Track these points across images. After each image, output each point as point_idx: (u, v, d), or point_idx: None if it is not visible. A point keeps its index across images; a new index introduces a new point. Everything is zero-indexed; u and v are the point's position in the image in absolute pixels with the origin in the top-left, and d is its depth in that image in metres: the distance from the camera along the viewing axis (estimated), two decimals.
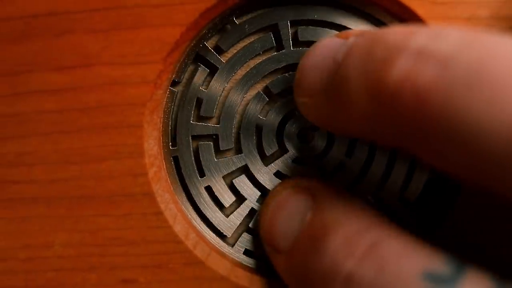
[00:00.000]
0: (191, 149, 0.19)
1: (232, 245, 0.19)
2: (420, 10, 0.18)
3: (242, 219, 0.19)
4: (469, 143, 0.12)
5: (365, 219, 0.15)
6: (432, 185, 0.18)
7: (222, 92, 0.19)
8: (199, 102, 0.19)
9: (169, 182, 0.19)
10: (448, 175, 0.14)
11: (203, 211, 0.19)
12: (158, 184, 0.18)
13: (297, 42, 0.19)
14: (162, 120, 0.19)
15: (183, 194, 0.19)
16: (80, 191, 0.18)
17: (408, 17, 0.18)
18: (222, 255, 0.19)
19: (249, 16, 0.19)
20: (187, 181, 0.19)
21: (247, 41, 0.19)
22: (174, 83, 0.19)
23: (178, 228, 0.18)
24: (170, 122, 0.19)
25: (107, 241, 0.18)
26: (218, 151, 0.19)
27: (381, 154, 0.18)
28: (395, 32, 0.14)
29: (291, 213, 0.17)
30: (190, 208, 0.19)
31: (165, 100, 0.19)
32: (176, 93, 0.19)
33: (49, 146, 0.18)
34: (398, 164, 0.18)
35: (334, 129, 0.17)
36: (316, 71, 0.16)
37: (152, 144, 0.18)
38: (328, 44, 0.16)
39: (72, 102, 0.18)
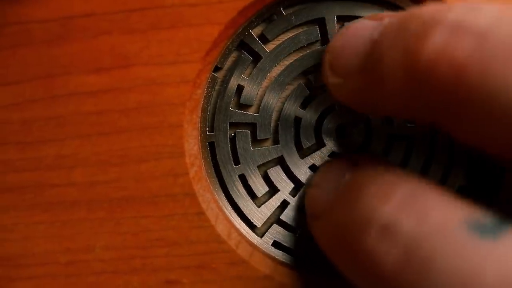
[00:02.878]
0: (228, 136, 0.19)
1: (261, 236, 0.19)
2: None
3: (273, 210, 0.19)
4: (508, 116, 0.12)
5: (401, 173, 0.15)
6: (466, 191, 0.18)
7: (263, 81, 0.19)
8: (239, 89, 0.19)
9: (209, 181, 0.19)
10: (484, 153, 0.14)
11: (235, 199, 0.19)
12: (199, 184, 0.18)
13: None
14: (201, 108, 0.19)
15: (216, 181, 0.19)
16: (121, 193, 0.18)
17: None
18: (264, 254, 0.19)
19: (297, 8, 0.19)
20: (221, 168, 0.19)
21: (292, 33, 0.19)
22: (216, 69, 0.19)
23: (220, 227, 0.18)
24: (209, 108, 0.19)
25: (149, 243, 0.18)
26: (255, 140, 0.19)
27: (418, 155, 0.18)
28: (429, 7, 0.14)
29: (329, 177, 0.17)
30: (222, 195, 0.19)
31: (205, 86, 0.19)
32: (217, 79, 0.19)
33: (88, 148, 0.18)
34: (433, 166, 0.18)
35: (369, 109, 0.17)
36: (351, 51, 0.16)
37: (193, 144, 0.18)
38: (361, 25, 0.16)
39: (111, 104, 0.18)
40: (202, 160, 0.19)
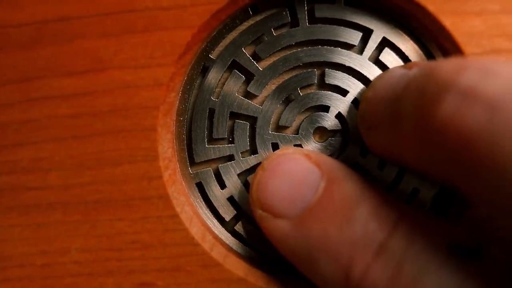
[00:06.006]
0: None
1: (229, 230, 0.19)
2: (430, 6, 0.18)
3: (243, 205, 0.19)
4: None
5: (384, 194, 0.16)
6: (440, 200, 0.18)
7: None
8: (249, 77, 0.19)
9: (184, 184, 0.19)
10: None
11: (206, 190, 0.19)
12: (173, 187, 0.18)
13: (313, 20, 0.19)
14: (175, 122, 0.19)
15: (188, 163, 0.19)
16: (96, 196, 0.18)
17: (420, 13, 0.18)
18: (238, 255, 0.19)
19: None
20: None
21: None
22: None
23: (195, 230, 0.18)
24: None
25: (124, 245, 0.18)
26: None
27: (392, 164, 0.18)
28: (447, 66, 0.13)
29: (300, 181, 0.16)
30: (193, 186, 0.19)
31: (180, 89, 0.19)
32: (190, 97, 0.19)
33: (64, 151, 0.18)
34: (408, 174, 0.18)
35: (394, 160, 0.17)
36: (378, 103, 0.16)
37: (166, 147, 0.18)
38: (391, 75, 0.16)
39: (85, 107, 0.18)
40: (177, 163, 0.19)
